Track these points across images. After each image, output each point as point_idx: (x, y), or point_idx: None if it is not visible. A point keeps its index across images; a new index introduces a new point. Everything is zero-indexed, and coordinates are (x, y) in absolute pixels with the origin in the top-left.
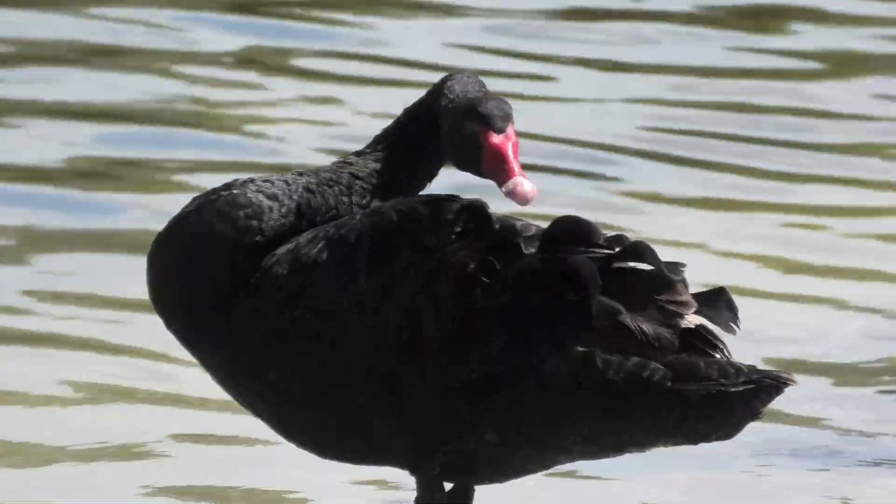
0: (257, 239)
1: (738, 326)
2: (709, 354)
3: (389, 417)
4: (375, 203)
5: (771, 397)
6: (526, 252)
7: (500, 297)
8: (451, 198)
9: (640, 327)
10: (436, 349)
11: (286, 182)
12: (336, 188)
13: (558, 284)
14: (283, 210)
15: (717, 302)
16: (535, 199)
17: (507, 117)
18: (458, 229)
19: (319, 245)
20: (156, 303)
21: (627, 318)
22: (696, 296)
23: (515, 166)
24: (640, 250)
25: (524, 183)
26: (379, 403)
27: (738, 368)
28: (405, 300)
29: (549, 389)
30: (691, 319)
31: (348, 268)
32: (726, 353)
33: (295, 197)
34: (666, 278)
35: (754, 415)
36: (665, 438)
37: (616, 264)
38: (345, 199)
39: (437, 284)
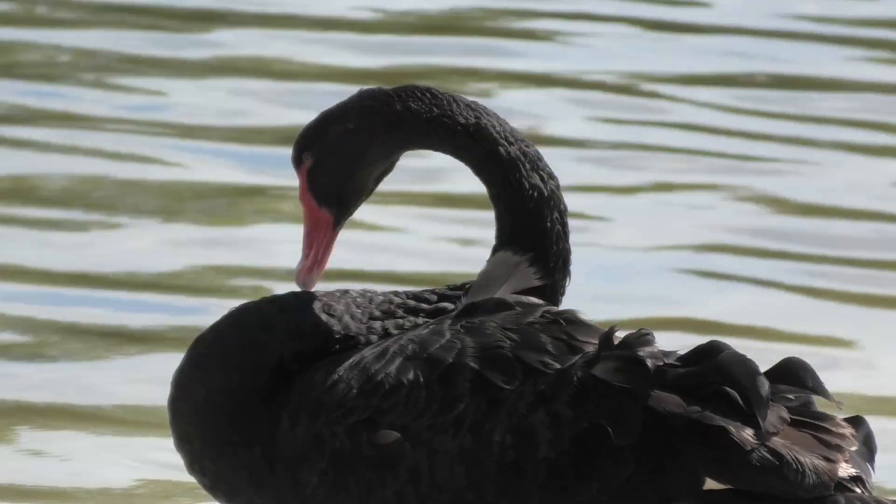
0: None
1: (873, 469)
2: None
3: None
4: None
5: None
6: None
7: (631, 414)
8: (560, 313)
9: (795, 459)
10: (547, 477)
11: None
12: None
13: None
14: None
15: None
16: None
17: None
18: (579, 360)
19: (397, 363)
20: (180, 443)
21: (777, 451)
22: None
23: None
24: (794, 367)
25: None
26: None
27: None
28: (515, 418)
29: None
30: (847, 465)
31: (446, 391)
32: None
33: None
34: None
35: None
36: None
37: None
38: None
39: (555, 401)
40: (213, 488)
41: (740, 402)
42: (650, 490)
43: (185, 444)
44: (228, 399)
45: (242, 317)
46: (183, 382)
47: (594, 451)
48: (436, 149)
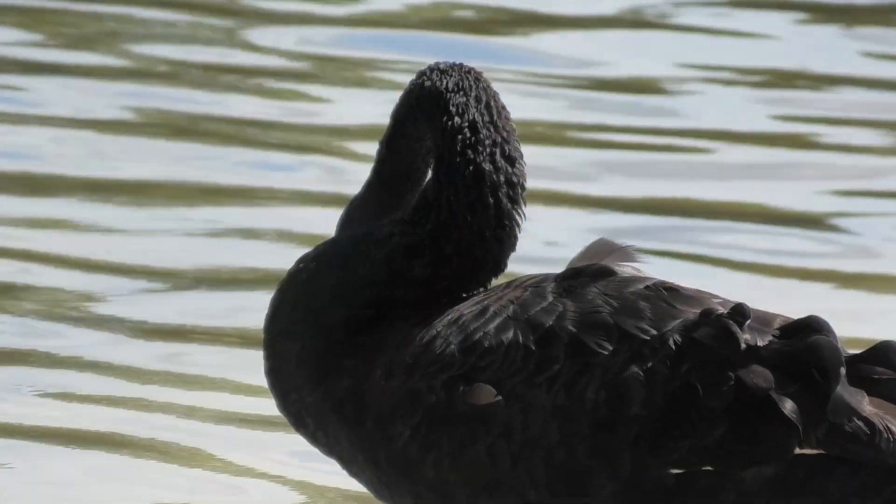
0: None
1: None
2: None
3: None
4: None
5: None
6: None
7: (724, 380)
8: (662, 286)
9: (887, 428)
10: (638, 434)
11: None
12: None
13: (794, 370)
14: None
15: None
16: None
17: None
18: (680, 326)
19: (497, 322)
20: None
21: (869, 420)
22: None
23: None
24: (888, 354)
25: None
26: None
27: None
28: (609, 376)
29: (758, 498)
30: None
31: (542, 354)
32: None
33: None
34: None
35: None
36: None
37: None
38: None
39: (649, 361)
40: (300, 423)
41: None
42: (740, 452)
43: (276, 372)
44: (322, 331)
45: (337, 254)
46: (279, 299)
47: (686, 412)
48: None
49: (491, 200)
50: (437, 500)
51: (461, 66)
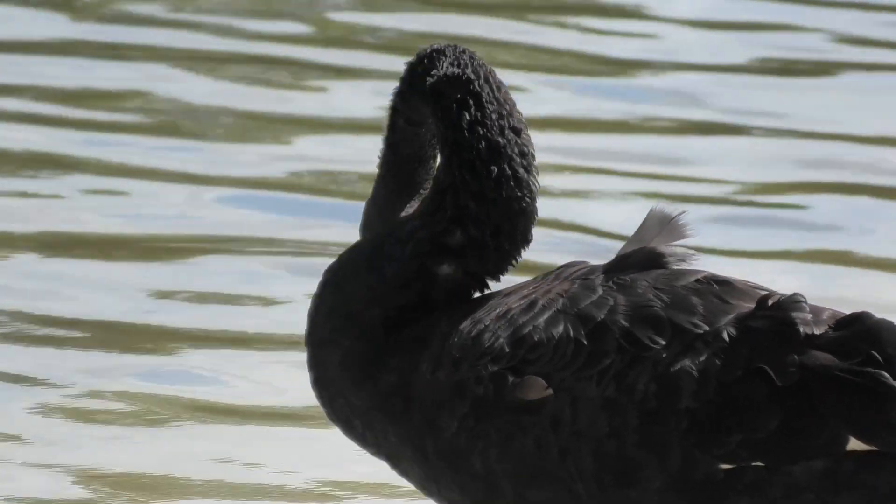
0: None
1: None
2: None
3: None
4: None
5: None
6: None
7: (785, 375)
8: (713, 279)
9: None
10: (689, 427)
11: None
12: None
13: (853, 357)
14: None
15: None
16: None
17: None
18: (733, 321)
19: (546, 316)
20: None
21: None
22: None
23: None
24: None
25: None
26: (605, 497)
27: None
28: (660, 368)
29: (809, 493)
30: None
31: (593, 348)
32: None
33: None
34: None
35: None
36: None
37: None
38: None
39: (702, 354)
40: (349, 427)
41: (884, 365)
42: (791, 448)
43: (321, 381)
44: (361, 334)
45: (376, 250)
46: (315, 311)
47: (737, 405)
48: None
49: (509, 172)
50: (485, 491)
51: (455, 46)
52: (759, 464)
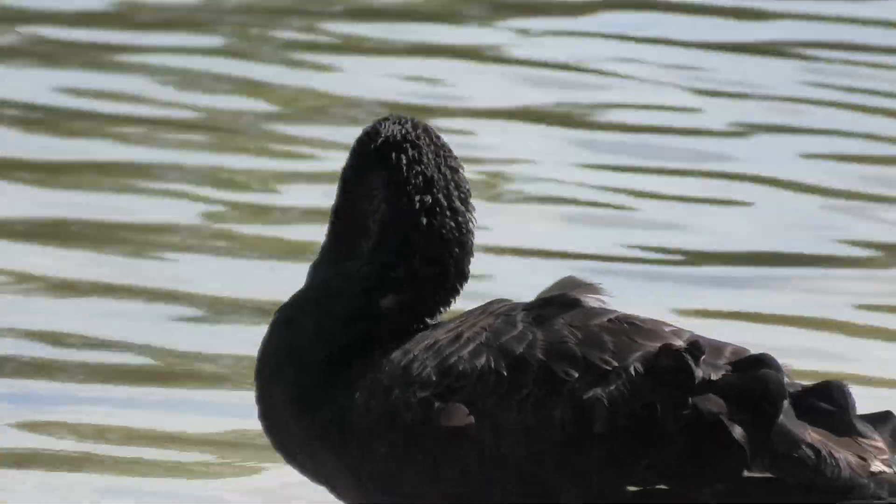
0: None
1: None
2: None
3: None
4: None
5: None
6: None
7: (680, 405)
8: (624, 319)
9: (830, 454)
10: (603, 451)
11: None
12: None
13: (743, 401)
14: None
15: (884, 427)
16: None
17: None
18: (640, 358)
19: (470, 348)
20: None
21: (808, 452)
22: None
23: None
24: (831, 390)
25: None
26: None
27: None
28: (576, 398)
29: None
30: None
31: (513, 379)
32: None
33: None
34: (854, 429)
35: None
36: None
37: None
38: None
39: (614, 383)
40: (291, 457)
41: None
42: (695, 473)
43: (266, 414)
44: (304, 369)
45: (320, 293)
46: (264, 349)
47: (645, 433)
48: None
49: (445, 203)
50: None
51: (397, 115)
52: (663, 487)
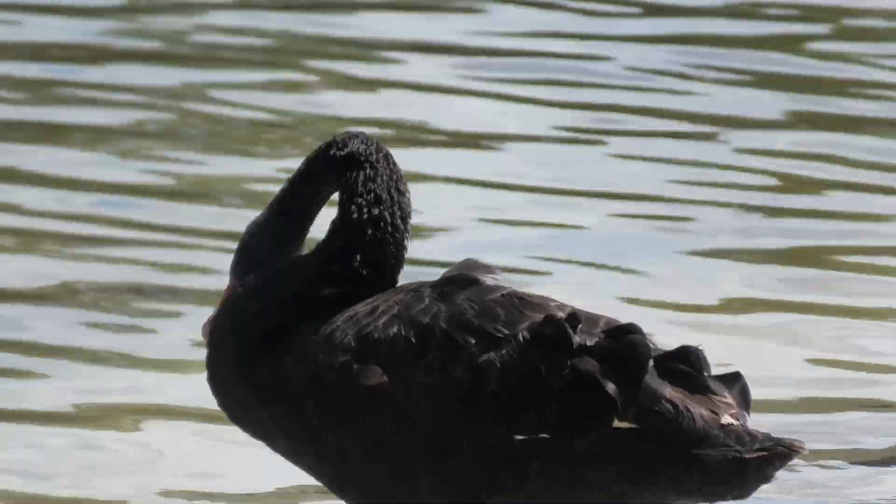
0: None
1: (748, 414)
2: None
3: (436, 476)
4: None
5: (783, 463)
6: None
7: (562, 368)
8: (514, 295)
9: (686, 408)
10: (496, 406)
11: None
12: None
13: (614, 362)
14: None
15: (732, 386)
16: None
17: None
18: (527, 327)
19: (384, 319)
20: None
21: (668, 406)
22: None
23: None
24: (688, 354)
25: None
26: (429, 462)
27: (754, 436)
28: (473, 361)
29: (586, 459)
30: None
31: (420, 345)
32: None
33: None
34: (707, 388)
35: (766, 479)
36: (685, 497)
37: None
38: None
39: (505, 348)
40: (234, 415)
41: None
42: (573, 424)
43: (213, 377)
44: (247, 338)
45: (267, 278)
46: (215, 319)
47: (532, 391)
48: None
49: (388, 219)
50: (338, 460)
51: (363, 134)
52: (546, 436)
